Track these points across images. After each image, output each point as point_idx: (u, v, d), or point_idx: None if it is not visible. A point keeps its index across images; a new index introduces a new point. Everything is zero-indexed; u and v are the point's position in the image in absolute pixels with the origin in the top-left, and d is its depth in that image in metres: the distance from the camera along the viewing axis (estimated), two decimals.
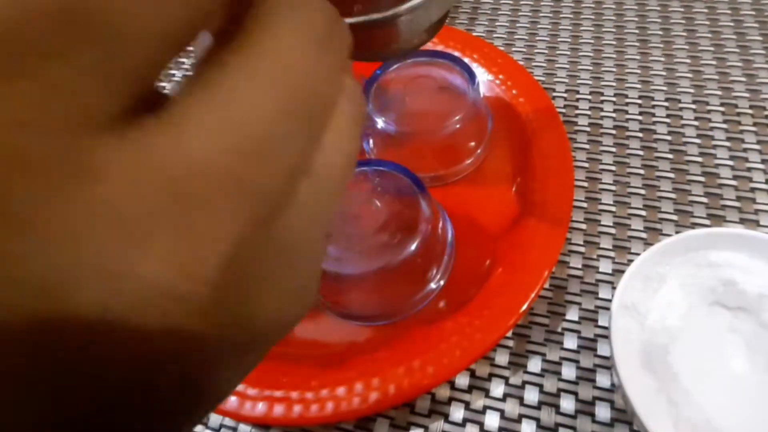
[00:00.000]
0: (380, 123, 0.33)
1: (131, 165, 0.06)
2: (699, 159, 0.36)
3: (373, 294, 0.29)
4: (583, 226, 0.34)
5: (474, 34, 0.46)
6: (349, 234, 0.28)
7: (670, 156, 0.36)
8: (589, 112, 0.39)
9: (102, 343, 0.06)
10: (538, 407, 0.28)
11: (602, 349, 0.29)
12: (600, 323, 0.30)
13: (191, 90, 0.07)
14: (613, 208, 0.34)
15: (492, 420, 0.28)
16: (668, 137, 0.37)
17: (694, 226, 0.33)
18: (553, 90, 0.41)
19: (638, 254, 0.27)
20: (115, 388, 0.07)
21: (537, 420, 0.27)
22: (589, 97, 0.40)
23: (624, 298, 0.26)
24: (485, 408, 0.28)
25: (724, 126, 0.37)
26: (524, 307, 0.28)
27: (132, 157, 0.06)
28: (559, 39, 0.45)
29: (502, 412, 0.28)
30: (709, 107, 0.38)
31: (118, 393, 0.07)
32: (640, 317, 0.26)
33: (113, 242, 0.06)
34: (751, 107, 0.38)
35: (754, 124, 0.37)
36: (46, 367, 0.06)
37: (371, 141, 0.38)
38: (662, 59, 0.42)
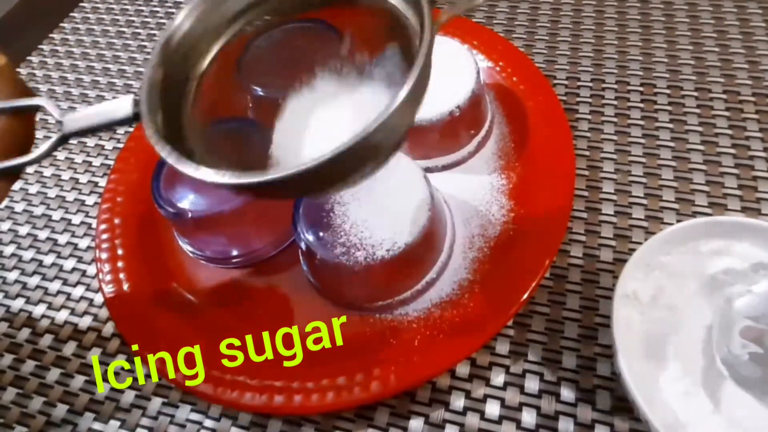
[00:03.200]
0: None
1: None
2: (701, 147, 0.35)
3: (374, 283, 0.29)
4: (584, 215, 0.33)
5: (474, 20, 0.45)
6: (348, 223, 0.28)
7: (672, 144, 0.36)
8: (590, 100, 0.39)
9: None
10: (538, 396, 0.28)
11: (603, 337, 0.29)
12: (601, 312, 0.30)
13: None
14: (614, 197, 0.34)
15: (492, 408, 0.28)
16: (670, 125, 0.37)
17: (695, 214, 0.33)
18: (554, 77, 0.41)
19: (639, 243, 0.27)
20: None
21: (537, 408, 0.27)
22: (591, 84, 0.40)
23: (626, 287, 0.26)
24: (486, 397, 0.28)
25: (727, 114, 0.37)
26: (525, 296, 0.28)
27: None
28: (560, 25, 0.44)
29: (502, 400, 0.28)
30: (711, 95, 0.38)
31: None
32: (641, 306, 0.26)
33: None
34: (753, 95, 0.37)
35: (757, 112, 0.37)
36: None
37: None
38: (664, 46, 0.41)
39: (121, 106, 0.20)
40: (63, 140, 0.20)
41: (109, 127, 0.21)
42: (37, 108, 0.21)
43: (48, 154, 0.20)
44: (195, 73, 0.22)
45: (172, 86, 0.21)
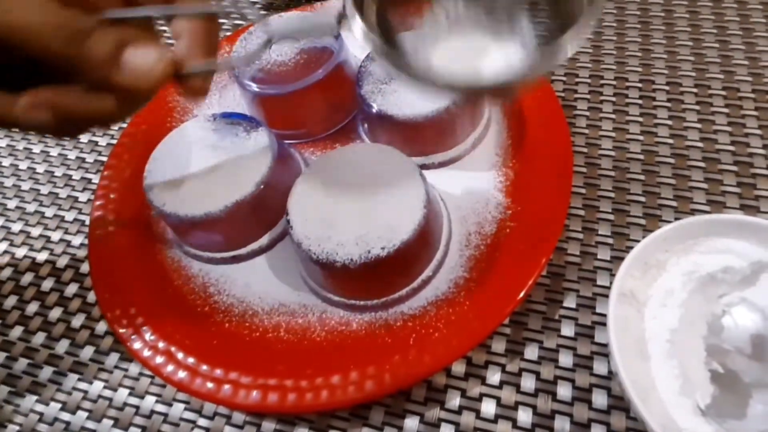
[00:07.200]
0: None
1: None
2: (700, 144, 0.35)
3: (369, 281, 0.29)
4: (582, 213, 0.33)
5: None
6: (343, 220, 0.28)
7: (671, 141, 0.35)
8: (588, 96, 0.39)
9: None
10: (534, 394, 0.28)
11: (600, 336, 0.29)
12: (598, 310, 0.30)
13: None
14: (612, 194, 0.34)
15: (488, 407, 0.28)
16: (669, 122, 0.36)
17: (693, 212, 0.32)
18: (552, 73, 0.40)
19: (637, 241, 0.27)
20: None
21: (533, 407, 0.27)
22: (589, 80, 0.40)
23: (623, 286, 0.25)
24: (481, 395, 0.28)
25: (726, 110, 0.36)
26: (521, 294, 0.28)
27: None
28: None
29: (498, 399, 0.28)
30: (710, 91, 0.38)
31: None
32: (638, 305, 0.26)
33: None
34: (753, 91, 0.37)
35: (756, 109, 0.36)
36: None
37: (366, 125, 0.37)
38: (664, 42, 0.41)
39: (325, 13, 0.22)
40: (269, 42, 0.22)
41: (313, 32, 0.23)
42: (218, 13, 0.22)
43: (258, 55, 0.23)
44: None
45: None
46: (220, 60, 0.22)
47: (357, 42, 0.20)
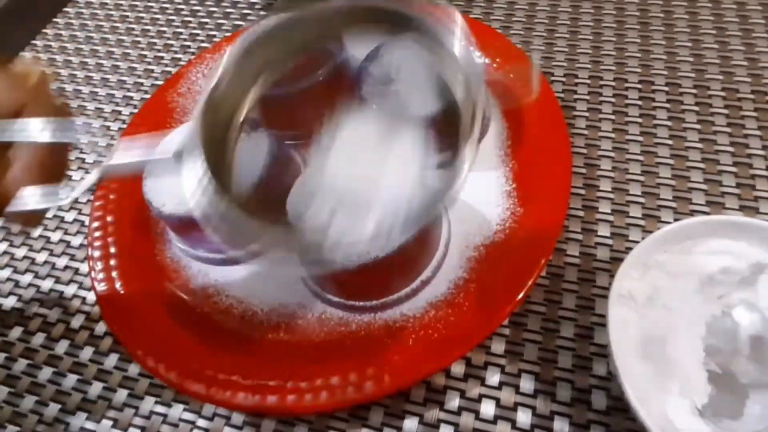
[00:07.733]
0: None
1: None
2: (699, 145, 0.35)
3: (368, 282, 0.29)
4: (581, 213, 0.33)
5: (471, 15, 0.45)
6: (343, 220, 0.28)
7: (670, 142, 0.36)
8: (587, 97, 0.39)
9: None
10: (533, 395, 0.28)
11: (599, 337, 0.29)
12: (597, 311, 0.30)
13: None
14: (612, 195, 0.34)
15: (488, 408, 0.28)
16: (668, 123, 0.36)
17: (693, 213, 0.32)
18: (552, 74, 0.40)
19: (636, 242, 0.27)
20: None
21: (533, 408, 0.27)
22: (588, 81, 0.40)
23: (621, 287, 0.25)
24: (481, 396, 0.28)
25: (725, 111, 0.36)
26: (521, 295, 0.27)
27: None
28: (557, 21, 0.44)
29: (497, 400, 0.28)
30: (710, 92, 0.38)
31: None
32: (637, 306, 0.26)
33: None
34: (752, 92, 0.37)
35: (756, 110, 0.36)
36: None
37: None
38: (663, 42, 0.41)
39: (162, 151, 0.21)
40: (100, 180, 0.21)
41: (149, 172, 0.24)
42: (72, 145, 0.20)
43: (81, 193, 0.20)
44: (235, 121, 0.25)
45: (214, 133, 0.23)
46: (41, 203, 0.18)
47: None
